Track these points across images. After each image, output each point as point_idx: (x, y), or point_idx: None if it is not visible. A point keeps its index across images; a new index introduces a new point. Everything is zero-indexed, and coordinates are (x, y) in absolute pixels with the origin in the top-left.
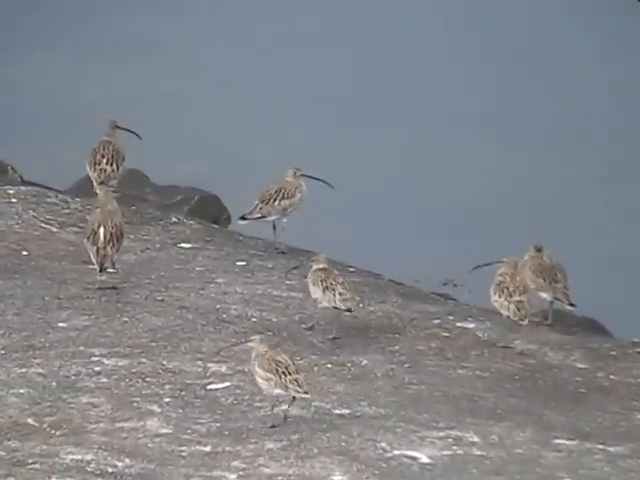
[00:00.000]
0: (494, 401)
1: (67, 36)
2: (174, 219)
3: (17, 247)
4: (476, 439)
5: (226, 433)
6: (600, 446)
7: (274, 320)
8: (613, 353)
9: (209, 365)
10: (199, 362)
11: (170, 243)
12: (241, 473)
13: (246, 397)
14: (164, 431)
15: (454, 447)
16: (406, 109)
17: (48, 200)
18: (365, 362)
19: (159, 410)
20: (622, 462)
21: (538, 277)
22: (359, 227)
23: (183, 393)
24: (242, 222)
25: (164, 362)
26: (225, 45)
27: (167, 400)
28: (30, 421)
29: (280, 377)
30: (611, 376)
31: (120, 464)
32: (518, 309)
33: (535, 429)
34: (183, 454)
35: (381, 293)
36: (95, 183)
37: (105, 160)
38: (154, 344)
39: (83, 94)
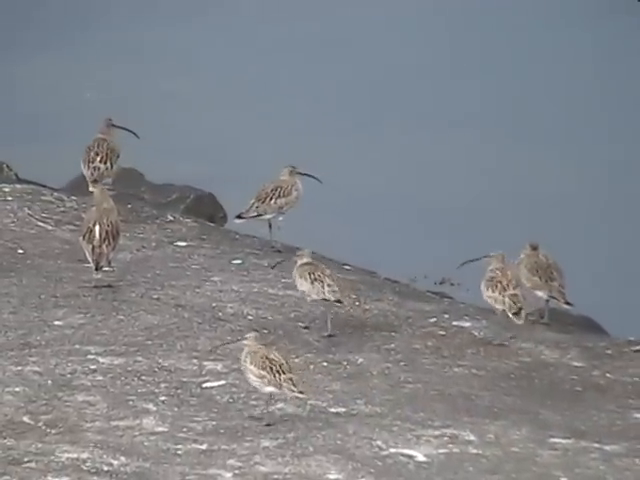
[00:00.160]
0: (490, 399)
1: (67, 36)
2: (170, 217)
3: (12, 245)
4: (472, 437)
5: (222, 431)
6: (596, 445)
7: (270, 318)
8: (609, 352)
9: (205, 363)
10: (195, 360)
11: (166, 241)
12: (237, 471)
13: (242, 395)
14: (160, 429)
15: (450, 445)
16: (406, 109)
17: (43, 198)
18: (361, 360)
19: (155, 408)
20: (618, 461)
21: (534, 275)
22: (356, 226)
23: (179, 391)
24: (238, 221)
25: (160, 360)
26: (224, 45)
27: (163, 398)
28: (26, 419)
29: (274, 375)
30: (607, 375)
31: (116, 462)
32: (514, 302)
33: (531, 427)
34: (179, 452)
35: (377, 291)
36: (89, 181)
37: (99, 158)
38: (150, 342)
39: (83, 94)
